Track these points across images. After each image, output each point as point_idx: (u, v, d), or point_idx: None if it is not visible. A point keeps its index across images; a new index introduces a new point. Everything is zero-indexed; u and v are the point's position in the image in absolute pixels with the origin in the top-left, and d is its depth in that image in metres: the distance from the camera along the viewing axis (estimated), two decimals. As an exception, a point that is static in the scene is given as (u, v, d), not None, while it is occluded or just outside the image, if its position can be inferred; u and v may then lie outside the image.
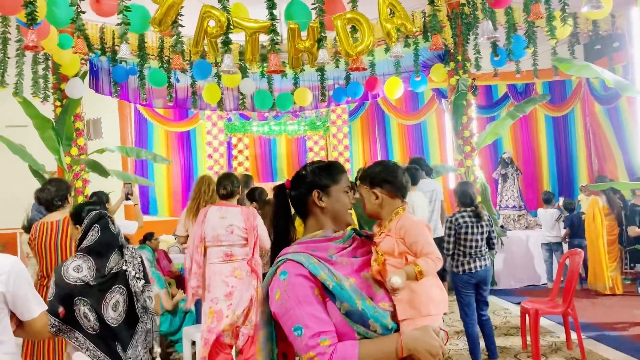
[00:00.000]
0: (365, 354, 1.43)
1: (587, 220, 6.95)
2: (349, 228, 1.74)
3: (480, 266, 4.31)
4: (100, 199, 5.08)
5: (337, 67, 7.28)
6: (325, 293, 1.49)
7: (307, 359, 1.42)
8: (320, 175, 1.69)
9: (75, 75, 6.44)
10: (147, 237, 5.86)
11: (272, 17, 3.85)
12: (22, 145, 6.50)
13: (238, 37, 4.21)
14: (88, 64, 7.04)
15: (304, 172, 1.71)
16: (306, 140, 10.17)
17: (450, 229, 4.29)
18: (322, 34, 3.92)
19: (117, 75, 6.65)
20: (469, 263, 4.28)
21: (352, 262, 1.61)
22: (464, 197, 4.33)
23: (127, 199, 5.68)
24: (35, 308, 2.04)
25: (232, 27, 3.79)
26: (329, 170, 1.71)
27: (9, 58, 5.86)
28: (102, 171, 6.51)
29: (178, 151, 10.21)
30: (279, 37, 3.89)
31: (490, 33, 3.89)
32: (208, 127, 9.60)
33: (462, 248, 4.28)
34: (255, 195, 4.86)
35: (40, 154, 6.63)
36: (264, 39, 4.07)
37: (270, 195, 7.23)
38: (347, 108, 10.09)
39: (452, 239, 4.28)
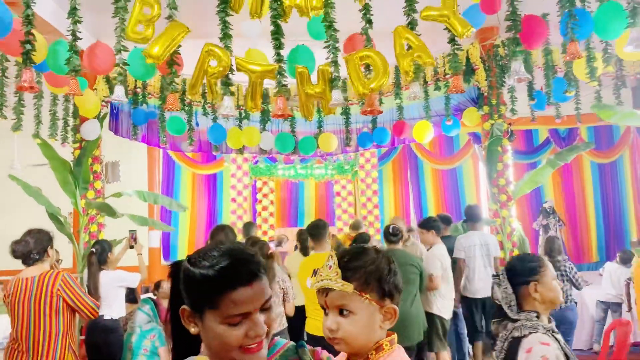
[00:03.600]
0: None
1: (637, 282, 6.21)
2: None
3: None
4: (102, 247, 4.82)
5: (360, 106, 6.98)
6: None
7: None
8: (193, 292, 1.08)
9: (95, 117, 6.36)
10: (156, 287, 5.56)
11: (279, 59, 3.56)
12: (38, 187, 6.39)
13: (239, 78, 3.93)
14: (109, 106, 6.96)
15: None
16: (333, 184, 9.82)
17: None
18: (336, 74, 3.60)
19: (136, 118, 6.54)
20: None
21: None
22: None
23: (131, 247, 5.42)
24: None
25: (234, 69, 3.53)
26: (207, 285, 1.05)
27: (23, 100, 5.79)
28: (111, 213, 6.31)
29: (204, 194, 10.04)
30: (286, 80, 3.59)
31: (522, 74, 3.48)
32: (232, 170, 9.39)
33: None
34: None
35: (58, 195, 6.51)
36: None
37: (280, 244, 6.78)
38: (376, 152, 9.73)
39: None
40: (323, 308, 1.25)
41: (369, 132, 7.43)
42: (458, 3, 3.42)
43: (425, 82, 6.81)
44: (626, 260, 6.94)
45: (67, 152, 6.64)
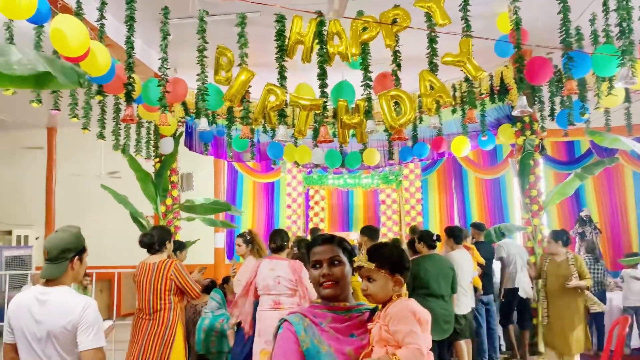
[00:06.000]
0: None
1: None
2: (369, 305, 1.92)
3: None
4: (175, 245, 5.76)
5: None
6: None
7: None
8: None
9: (172, 135, 7.47)
10: (224, 281, 6.54)
11: (324, 95, 4.42)
12: (125, 195, 7.53)
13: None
14: (184, 126, 8.08)
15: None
16: (379, 193, 10.61)
17: None
18: (369, 108, 4.44)
19: (204, 137, 7.60)
20: None
21: (340, 336, 1.80)
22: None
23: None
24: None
25: (287, 103, 4.43)
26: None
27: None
28: (199, 211, 7.34)
29: (263, 200, 11.07)
30: (328, 112, 4.45)
31: (525, 108, 4.18)
32: (288, 179, 10.37)
33: None
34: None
35: (137, 201, 7.63)
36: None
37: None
38: (420, 163, 10.43)
39: None
40: (360, 277, 2.00)
41: (409, 147, 8.16)
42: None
43: (463, 101, 7.49)
44: None
45: (148, 165, 7.79)
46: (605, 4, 4.69)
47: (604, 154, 9.99)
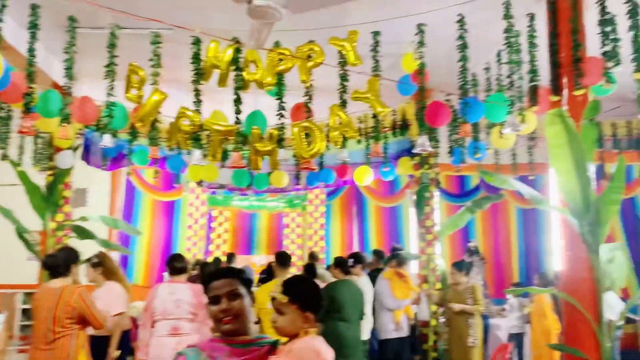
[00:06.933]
0: None
1: (534, 316, 7.20)
2: (270, 339, 1.90)
3: None
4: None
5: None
6: None
7: None
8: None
9: (69, 148, 7.03)
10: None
11: (238, 122, 4.45)
12: (10, 209, 6.94)
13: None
14: (83, 138, 7.64)
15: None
16: (283, 216, 10.69)
17: None
18: (281, 136, 4.52)
19: (106, 152, 7.24)
20: None
21: None
22: None
23: None
24: None
25: (202, 128, 4.39)
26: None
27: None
28: (88, 236, 6.95)
29: (162, 220, 10.68)
30: (241, 139, 4.48)
31: (426, 147, 4.49)
32: (191, 199, 10.13)
33: None
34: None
35: (28, 215, 7.06)
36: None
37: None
38: (325, 189, 10.67)
39: None
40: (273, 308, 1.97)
41: (316, 172, 8.35)
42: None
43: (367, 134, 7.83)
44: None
45: (40, 177, 7.25)
46: (498, 55, 5.19)
47: (491, 190, 10.85)
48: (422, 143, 4.45)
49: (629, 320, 7.76)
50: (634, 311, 7.93)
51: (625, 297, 5.50)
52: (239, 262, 9.34)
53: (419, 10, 4.67)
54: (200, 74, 4.37)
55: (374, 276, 6.91)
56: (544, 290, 6.22)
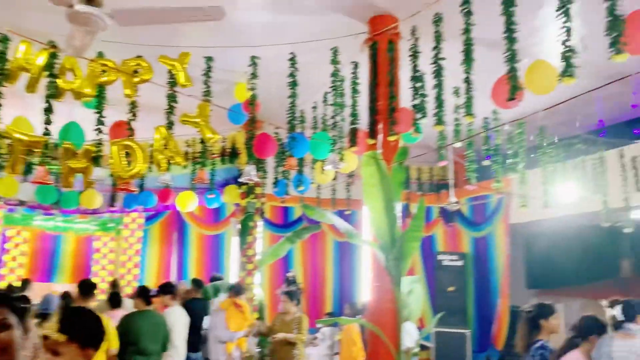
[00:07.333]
0: None
1: (344, 343, 7.63)
2: None
3: None
4: None
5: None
6: None
7: None
8: None
9: None
10: None
11: (47, 133, 4.00)
12: None
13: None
14: None
15: None
16: (94, 240, 9.82)
17: None
18: (98, 153, 4.17)
19: None
20: None
21: None
22: None
23: None
24: None
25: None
26: None
27: None
28: None
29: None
30: (50, 152, 4.03)
31: (252, 176, 4.53)
32: (-19, 216, 8.79)
33: None
34: None
35: None
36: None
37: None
38: (144, 213, 10.09)
39: None
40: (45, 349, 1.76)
41: (135, 195, 7.86)
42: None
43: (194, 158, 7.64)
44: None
45: None
46: (325, 96, 5.51)
47: (312, 222, 11.32)
48: (249, 172, 4.47)
49: (423, 347, 8.59)
50: (427, 338, 8.88)
51: (421, 326, 6.11)
52: (37, 290, 8.28)
53: (253, 43, 4.75)
54: (4, 75, 3.85)
55: (191, 306, 6.65)
56: (352, 321, 6.58)
